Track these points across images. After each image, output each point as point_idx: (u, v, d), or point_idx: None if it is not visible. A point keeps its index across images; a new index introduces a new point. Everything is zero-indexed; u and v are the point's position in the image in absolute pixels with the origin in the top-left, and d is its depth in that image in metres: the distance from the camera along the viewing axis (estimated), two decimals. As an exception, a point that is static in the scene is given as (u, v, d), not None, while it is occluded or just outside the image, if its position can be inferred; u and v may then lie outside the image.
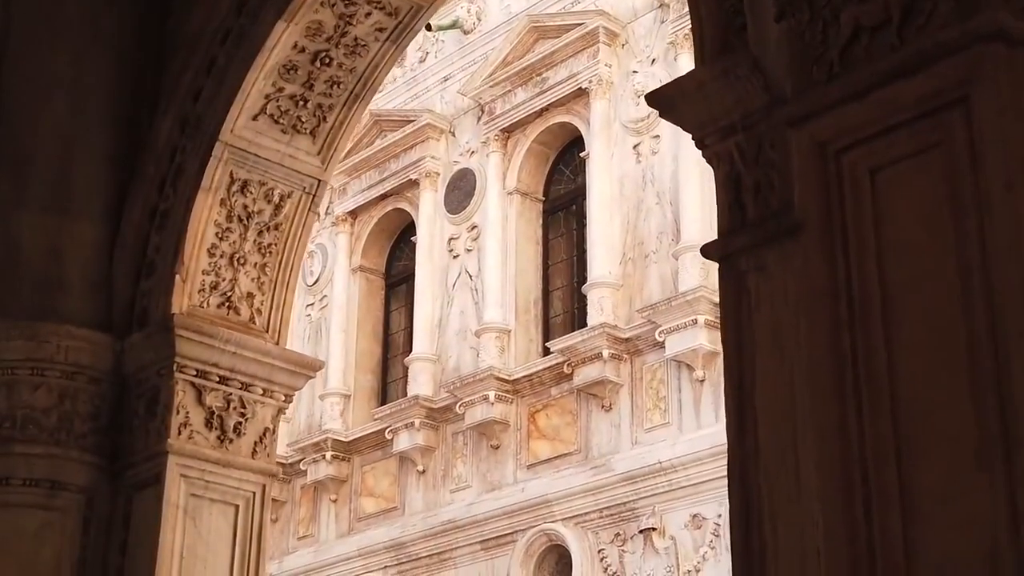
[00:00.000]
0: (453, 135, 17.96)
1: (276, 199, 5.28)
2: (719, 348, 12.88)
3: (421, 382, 16.80)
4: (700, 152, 3.21)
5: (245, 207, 5.21)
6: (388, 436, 16.83)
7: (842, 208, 2.45)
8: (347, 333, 18.35)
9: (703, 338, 13.90)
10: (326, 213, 19.39)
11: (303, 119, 5.20)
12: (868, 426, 2.32)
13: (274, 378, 5.23)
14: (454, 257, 17.37)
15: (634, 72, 15.84)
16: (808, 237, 2.53)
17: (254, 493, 5.08)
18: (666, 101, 3.33)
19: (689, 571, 13.53)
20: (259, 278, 5.21)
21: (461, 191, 17.51)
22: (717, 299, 13.62)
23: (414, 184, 18.06)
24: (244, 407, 5.14)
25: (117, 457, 5.09)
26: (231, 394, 5.11)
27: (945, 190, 2.36)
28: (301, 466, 17.94)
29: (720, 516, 13.38)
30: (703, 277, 14.10)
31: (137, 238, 5.22)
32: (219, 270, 5.13)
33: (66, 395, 5.08)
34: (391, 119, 18.54)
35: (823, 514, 2.47)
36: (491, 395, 15.66)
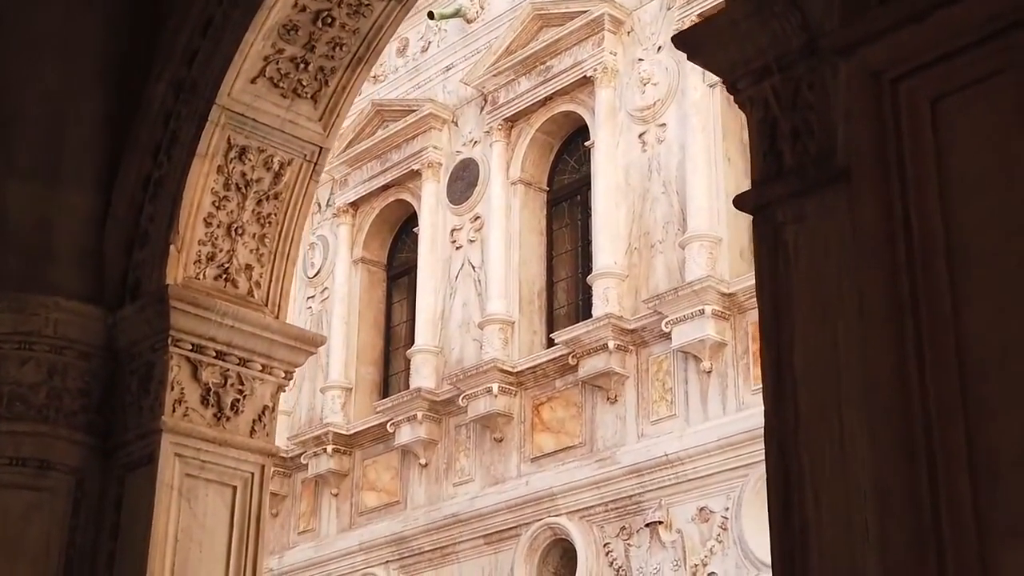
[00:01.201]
0: (456, 125, 17.75)
1: (276, 167, 5.04)
2: (726, 339, 12.79)
3: (423, 374, 16.58)
4: (733, 97, 2.98)
5: (243, 175, 4.96)
6: (390, 429, 16.62)
7: (899, 143, 2.22)
8: (348, 325, 18.14)
9: (710, 329, 13.68)
10: (327, 204, 19.21)
11: (304, 83, 4.95)
12: (932, 382, 2.09)
13: (274, 353, 4.98)
14: (457, 248, 17.15)
15: (640, 60, 15.63)
16: (859, 177, 2.30)
17: (252, 474, 4.83)
18: (694, 43, 3.09)
19: (696, 565, 13.30)
20: (258, 249, 4.96)
21: (464, 181, 17.30)
22: (724, 289, 13.49)
23: (416, 175, 17.85)
24: (242, 384, 4.89)
25: (109, 436, 4.85)
26: (228, 370, 4.86)
27: (1015, 118, 2.13)
28: (302, 460, 17.73)
29: (727, 509, 13.18)
30: (710, 267, 13.90)
31: (130, 207, 4.97)
32: (216, 240, 4.89)
33: (55, 370, 4.83)
34: (393, 109, 18.33)
35: (875, 483, 2.24)
36: (494, 387, 15.43)
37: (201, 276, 4.87)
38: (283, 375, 5.04)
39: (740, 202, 2.87)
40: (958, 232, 2.13)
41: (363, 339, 18.21)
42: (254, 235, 4.96)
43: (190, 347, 4.79)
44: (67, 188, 5.03)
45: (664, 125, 15.16)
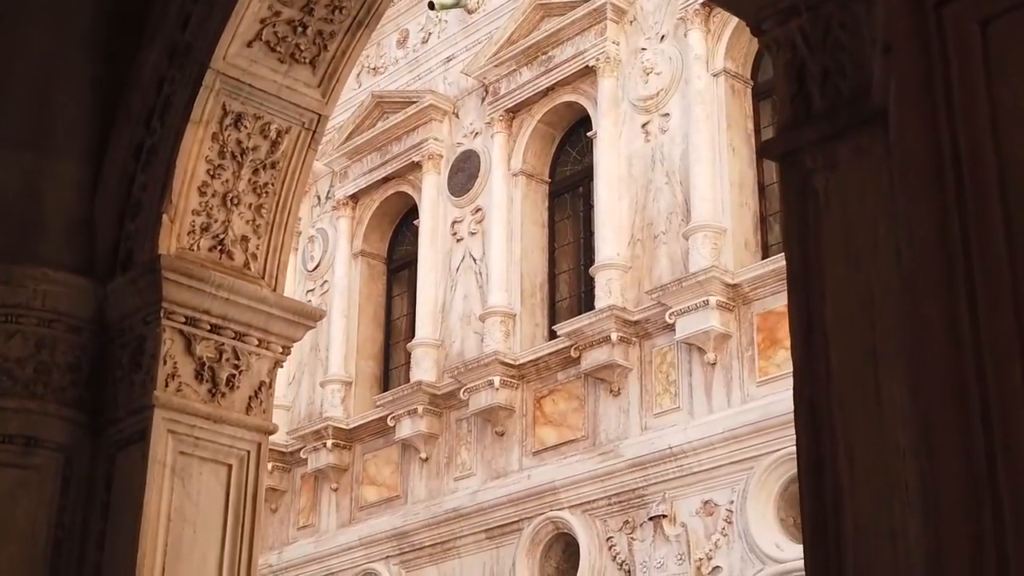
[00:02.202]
0: (456, 116, 17.58)
1: (273, 135, 4.85)
2: (731, 330, 12.61)
3: (424, 368, 16.41)
4: (758, 40, 2.81)
5: (239, 143, 4.77)
6: (390, 423, 16.45)
7: (945, 71, 2.05)
8: (348, 319, 17.98)
9: (714, 320, 13.51)
10: (327, 197, 19.05)
11: (302, 47, 4.77)
12: (986, 324, 1.92)
13: (271, 328, 4.79)
14: (458, 241, 16.98)
15: (643, 49, 15.46)
16: (902, 111, 2.13)
17: (248, 452, 4.63)
18: (717, -16, 2.92)
19: (701, 559, 13.13)
20: (254, 220, 4.78)
21: (465, 173, 17.13)
22: (729, 279, 13.31)
23: (417, 167, 17.69)
24: (238, 358, 4.70)
25: (99, 412, 4.65)
26: (223, 344, 4.67)
27: (1075, 38, 1.97)
28: (301, 454, 17.57)
29: (732, 503, 13.01)
30: (714, 257, 13.73)
31: (121, 176, 4.79)
32: (211, 210, 4.70)
33: (43, 344, 4.64)
34: (393, 100, 18.17)
35: (919, 437, 2.07)
36: (496, 380, 15.26)
37: (195, 247, 4.69)
38: (280, 350, 4.86)
39: (767, 149, 2.70)
40: (1012, 165, 1.96)
41: (363, 333, 18.05)
42: (250, 205, 4.77)
43: (183, 320, 4.60)
44: (56, 157, 4.84)
45: (667, 115, 15.00)
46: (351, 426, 17.18)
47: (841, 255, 2.50)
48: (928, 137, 2.06)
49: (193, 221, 4.66)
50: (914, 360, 2.12)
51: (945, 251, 1.97)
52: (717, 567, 13.04)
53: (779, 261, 13.37)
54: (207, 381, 4.61)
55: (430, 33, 18.42)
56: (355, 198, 18.52)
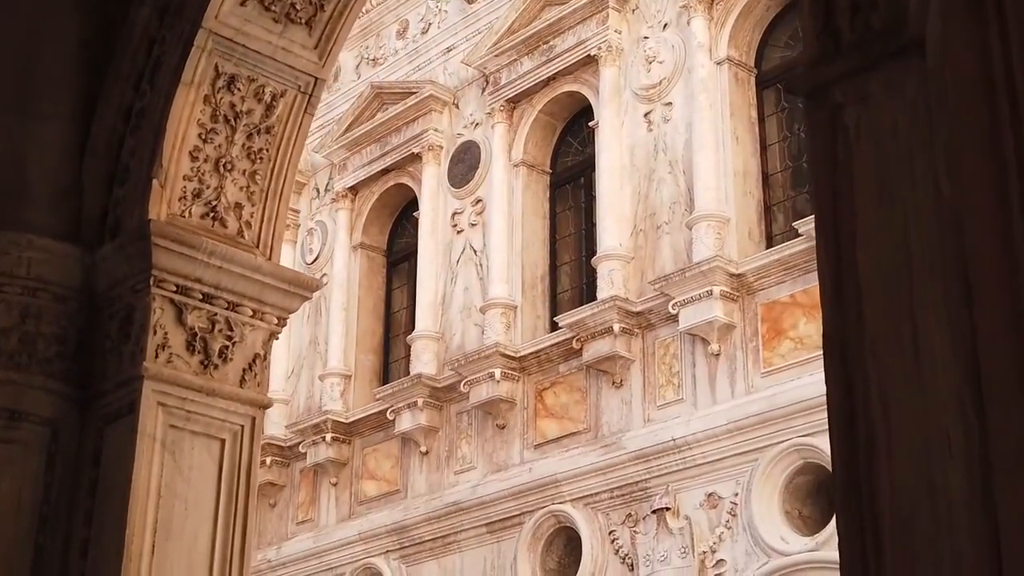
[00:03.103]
0: (457, 107, 17.41)
1: (267, 98, 4.67)
2: (735, 321, 12.44)
3: (424, 360, 16.23)
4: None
5: (232, 106, 4.59)
6: (390, 417, 16.28)
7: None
8: (347, 312, 17.81)
9: (718, 310, 13.34)
10: (326, 190, 18.88)
11: (297, 7, 4.58)
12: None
13: (265, 298, 4.60)
14: (458, 232, 16.81)
15: (645, 38, 15.29)
16: (948, 29, 1.96)
17: (243, 426, 4.44)
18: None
19: (705, 552, 12.95)
20: (248, 187, 4.59)
21: (465, 164, 16.96)
22: (733, 269, 13.15)
23: (416, 158, 17.51)
24: (231, 329, 4.51)
25: (87, 385, 4.46)
26: (216, 314, 4.48)
27: None
28: (300, 449, 17.39)
29: (737, 495, 12.84)
30: (718, 247, 13.56)
31: (110, 141, 4.60)
32: (203, 176, 4.51)
33: (28, 314, 4.45)
34: (392, 91, 18.00)
35: (967, 380, 1.90)
36: (497, 372, 15.09)
37: (187, 214, 4.50)
38: (276, 321, 4.66)
39: (792, 85, 2.53)
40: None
41: (362, 326, 17.88)
42: (244, 171, 4.59)
43: (174, 288, 4.40)
44: (42, 121, 4.65)
45: (670, 104, 14.82)
46: (350, 420, 17.01)
47: (874, 193, 2.34)
48: (977, 55, 1.89)
49: (184, 187, 4.48)
50: (959, 302, 1.95)
51: (996, 182, 1.80)
52: (721, 560, 12.86)
53: (784, 251, 13.22)
54: (199, 352, 4.42)
55: (430, 23, 18.24)
56: (354, 190, 18.35)
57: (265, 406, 4.58)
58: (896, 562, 2.13)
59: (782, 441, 12.51)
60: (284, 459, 17.77)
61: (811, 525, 12.43)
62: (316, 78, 4.73)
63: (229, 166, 4.54)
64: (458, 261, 16.66)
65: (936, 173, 2.23)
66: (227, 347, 4.48)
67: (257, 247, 4.62)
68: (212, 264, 4.44)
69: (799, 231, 12.86)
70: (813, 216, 2.45)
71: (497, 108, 16.53)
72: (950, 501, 2.11)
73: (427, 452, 16.07)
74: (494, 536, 14.92)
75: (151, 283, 4.36)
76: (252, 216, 4.61)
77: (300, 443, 17.37)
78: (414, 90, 17.60)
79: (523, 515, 14.60)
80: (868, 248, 2.33)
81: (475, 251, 16.49)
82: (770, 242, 13.89)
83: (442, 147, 17.32)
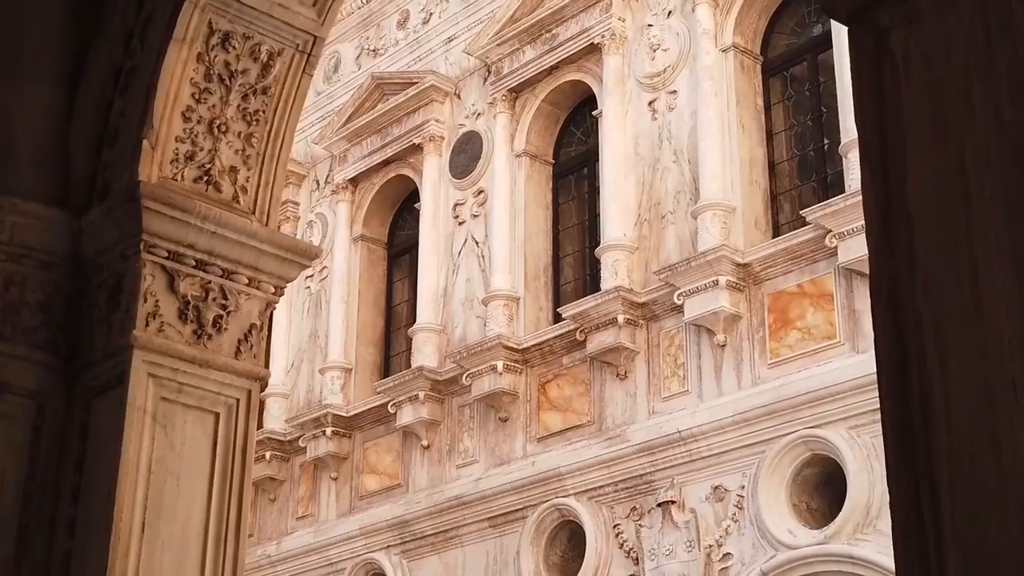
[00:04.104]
0: (458, 97, 17.21)
1: (264, 57, 4.46)
2: (741, 311, 12.24)
3: (425, 353, 16.03)
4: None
5: (227, 65, 4.38)
6: (391, 410, 16.08)
7: None
8: (348, 305, 17.61)
9: (724, 300, 13.14)
10: (326, 181, 18.69)
11: (295, -39, 4.40)
12: None
13: (262, 265, 4.38)
14: (460, 224, 16.61)
15: (649, 26, 15.09)
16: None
17: (238, 400, 4.22)
18: None
19: (711, 546, 12.75)
20: (244, 150, 4.38)
21: (467, 155, 16.76)
22: (739, 259, 12.94)
23: (418, 149, 17.31)
24: (226, 298, 4.29)
25: (74, 357, 4.24)
26: (210, 282, 4.26)
27: None
28: (300, 443, 17.19)
29: (743, 488, 12.64)
30: (724, 236, 13.35)
31: (99, 102, 4.38)
32: (196, 138, 4.30)
33: (12, 281, 4.23)
34: (393, 82, 17.80)
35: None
36: (499, 365, 14.88)
37: (179, 177, 4.29)
38: (273, 290, 4.44)
39: (831, 7, 2.33)
40: None
41: (363, 319, 17.69)
42: (239, 134, 4.37)
43: (166, 254, 4.19)
44: (26, 81, 4.43)
45: (675, 92, 14.62)
46: (351, 413, 16.81)
47: (926, 124, 2.13)
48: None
49: (176, 149, 4.27)
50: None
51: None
52: (728, 554, 12.66)
53: (790, 240, 13.01)
54: (192, 321, 4.21)
55: (431, 13, 18.04)
56: (355, 182, 18.16)
57: (262, 378, 4.36)
58: (956, 521, 1.93)
59: (789, 433, 12.31)
60: (284, 454, 17.58)
61: (819, 518, 12.23)
62: (315, 36, 4.52)
63: (224, 128, 4.33)
64: (460, 253, 16.46)
65: (997, 99, 2.03)
66: (221, 316, 4.26)
67: (253, 213, 4.41)
68: (206, 229, 4.22)
69: (807, 219, 12.65)
70: (858, 150, 2.24)
71: (499, 98, 16.33)
72: (1015, 454, 1.91)
73: (428, 446, 15.87)
74: (497, 531, 14.72)
75: (141, 248, 4.14)
76: (248, 181, 4.39)
77: (300, 437, 17.17)
78: (415, 80, 17.40)
79: (526, 509, 14.40)
80: (920, 182, 2.13)
81: (477, 242, 16.29)
82: (776, 232, 13.69)
83: (443, 138, 17.12)
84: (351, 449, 16.86)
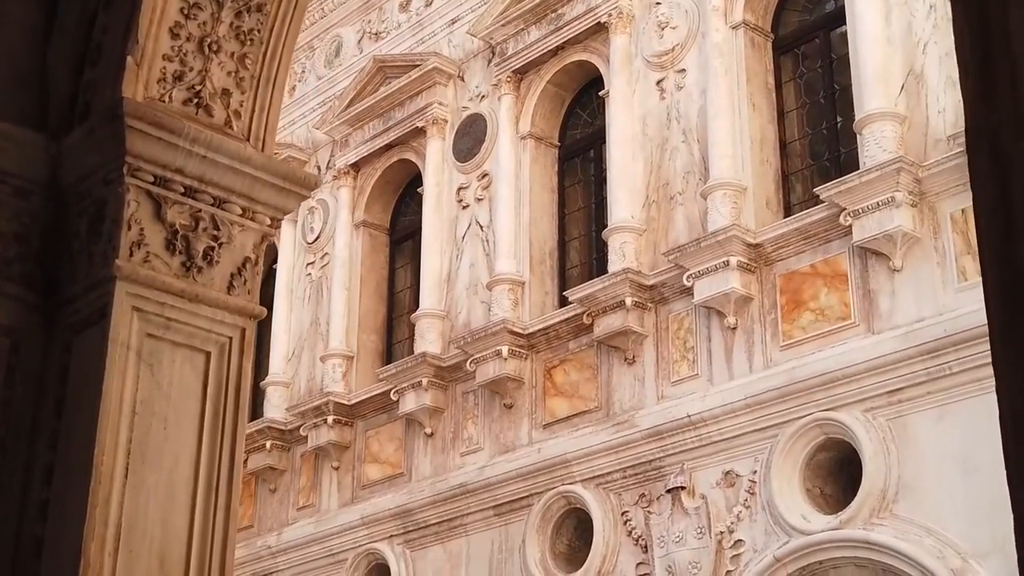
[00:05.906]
0: (462, 79, 16.89)
1: (259, -28, 4.18)
2: (752, 292, 11.90)
3: (429, 339, 15.71)
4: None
5: (218, -23, 4.10)
6: (393, 398, 15.76)
7: None
8: (350, 292, 17.30)
9: (735, 281, 12.81)
10: (327, 167, 18.37)
11: None
12: None
13: (256, 194, 4.05)
14: (464, 208, 16.29)
15: (657, 3, 14.77)
16: None
17: (231, 338, 3.89)
18: None
19: (722, 532, 12.42)
20: (237, 72, 4.05)
21: (471, 138, 16.44)
22: (750, 239, 12.58)
23: (421, 132, 16.99)
24: (217, 228, 3.96)
25: (53, 292, 3.90)
26: (200, 211, 3.94)
27: None
28: (301, 432, 16.87)
29: (755, 472, 12.31)
30: (734, 216, 13.02)
31: (81, 17, 4.06)
32: (185, 57, 3.97)
33: (-16, 211, 3.95)
34: (395, 65, 17.48)
35: None
36: (504, 350, 14.56)
37: (166, 98, 3.96)
38: (268, 222, 4.11)
39: None
40: None
41: (365, 306, 17.37)
42: (232, 54, 4.05)
43: (152, 179, 3.86)
44: (3, -2, 4.15)
45: (683, 71, 14.29)
46: (353, 402, 16.49)
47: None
48: None
49: (164, 68, 3.95)
50: None
51: None
52: (739, 540, 12.33)
53: (803, 219, 12.68)
54: (180, 253, 3.88)
55: (434, -6, 17.72)
56: (356, 167, 17.85)
57: (256, 316, 4.03)
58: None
59: (802, 416, 11.99)
60: (284, 443, 17.27)
61: (833, 503, 11.90)
62: (315, -50, 4.22)
63: (215, 47, 4.01)
64: (464, 237, 16.14)
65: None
66: (212, 248, 3.94)
67: (248, 139, 4.10)
68: (196, 153, 3.90)
69: (821, 197, 12.33)
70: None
71: (504, 79, 16.02)
72: None
73: (432, 434, 15.55)
74: (502, 519, 14.40)
75: (125, 172, 3.81)
76: (242, 105, 4.07)
77: (301, 426, 16.85)
78: (418, 63, 17.08)
79: (532, 497, 14.08)
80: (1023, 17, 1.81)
81: (481, 226, 15.98)
82: (788, 212, 13.36)
83: (447, 121, 16.81)
84: (353, 438, 16.55)
